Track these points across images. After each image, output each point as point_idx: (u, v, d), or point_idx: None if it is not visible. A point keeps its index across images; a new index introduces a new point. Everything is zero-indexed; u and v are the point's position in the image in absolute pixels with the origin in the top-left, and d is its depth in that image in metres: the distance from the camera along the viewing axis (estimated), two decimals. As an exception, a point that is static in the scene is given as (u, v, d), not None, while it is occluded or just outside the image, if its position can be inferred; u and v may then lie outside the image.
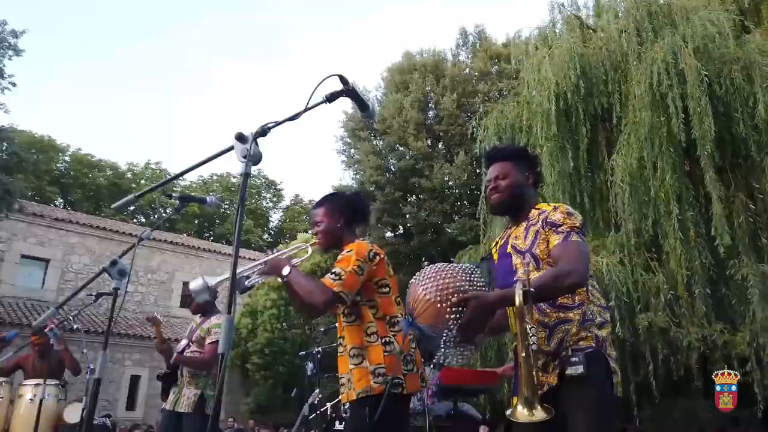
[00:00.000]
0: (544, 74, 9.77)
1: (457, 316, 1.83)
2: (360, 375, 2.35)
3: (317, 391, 4.92)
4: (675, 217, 7.42)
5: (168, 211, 29.67)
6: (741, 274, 6.78)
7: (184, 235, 24.38)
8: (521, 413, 1.75)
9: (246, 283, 2.47)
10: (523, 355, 1.77)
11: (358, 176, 16.96)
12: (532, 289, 1.82)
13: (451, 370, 3.89)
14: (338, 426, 6.22)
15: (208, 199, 2.32)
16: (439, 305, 1.84)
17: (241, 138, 1.51)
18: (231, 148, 1.54)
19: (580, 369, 1.88)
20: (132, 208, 28.41)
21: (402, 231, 16.33)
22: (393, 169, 16.38)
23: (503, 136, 10.82)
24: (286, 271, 2.35)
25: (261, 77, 58.47)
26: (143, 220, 29.49)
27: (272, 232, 36.04)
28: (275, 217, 37.56)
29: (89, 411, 2.00)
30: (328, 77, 1.50)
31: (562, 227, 2.02)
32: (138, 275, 18.57)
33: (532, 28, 11.46)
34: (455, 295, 1.87)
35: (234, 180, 32.98)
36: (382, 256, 2.51)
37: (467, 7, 50.88)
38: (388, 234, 17.43)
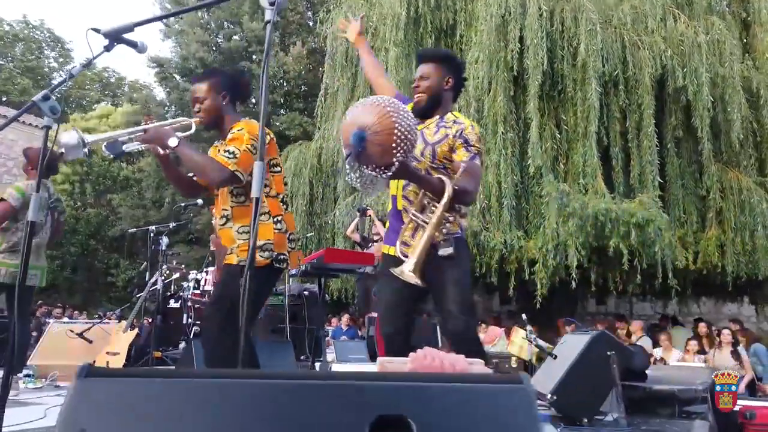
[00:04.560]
0: (399, -22, 9.78)
1: (393, 161, 2.01)
2: (247, 247, 2.40)
3: (165, 267, 4.75)
4: (500, 136, 8.32)
5: None
6: (543, 192, 7.96)
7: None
8: (410, 274, 2.10)
9: (123, 147, 2.36)
10: (428, 233, 2.15)
11: (180, 50, 15.44)
12: (455, 188, 2.19)
13: (336, 250, 4.09)
14: (173, 304, 6.12)
15: (139, 43, 2.05)
16: (394, 144, 1.97)
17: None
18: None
19: (450, 250, 2.26)
20: None
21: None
22: (221, 47, 15.24)
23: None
24: (173, 142, 2.30)
25: None
26: None
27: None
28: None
29: (24, 258, 1.74)
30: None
31: (472, 147, 2.32)
32: None
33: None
34: (407, 144, 2.02)
35: (7, 28, 27.65)
36: (272, 136, 2.53)
37: None
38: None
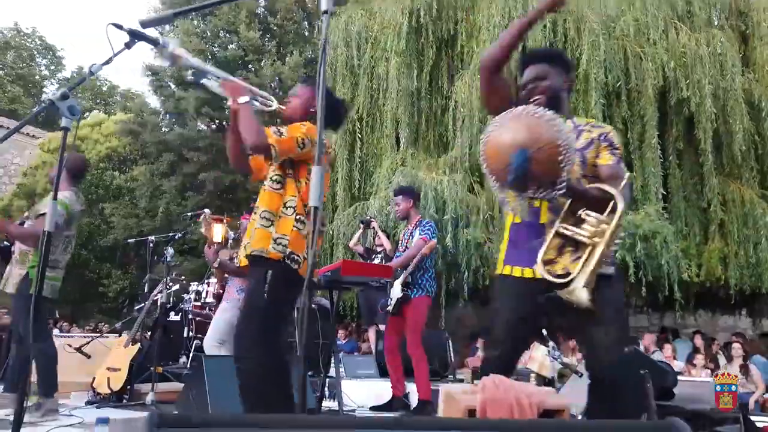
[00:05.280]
0: (400, -13, 9.74)
1: (560, 180, 1.85)
2: (261, 236, 2.40)
3: (168, 278, 4.59)
4: (502, 147, 8.24)
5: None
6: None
7: None
8: (582, 293, 1.89)
9: (203, 80, 2.43)
10: (601, 248, 1.93)
11: (176, 57, 15.30)
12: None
13: (352, 262, 3.96)
14: (172, 316, 5.95)
15: (161, 41, 1.94)
16: (560, 158, 1.79)
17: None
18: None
19: (611, 269, 2.07)
20: None
21: (224, 125, 15.37)
22: (218, 57, 15.10)
23: (349, 42, 10.67)
24: (243, 99, 2.36)
25: None
26: None
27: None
28: (51, 89, 32.47)
29: (41, 269, 1.61)
30: None
31: (617, 151, 2.17)
32: None
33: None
34: (571, 154, 1.86)
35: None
36: (329, 151, 2.58)
37: None
38: (202, 126, 16.30)
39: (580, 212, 2.02)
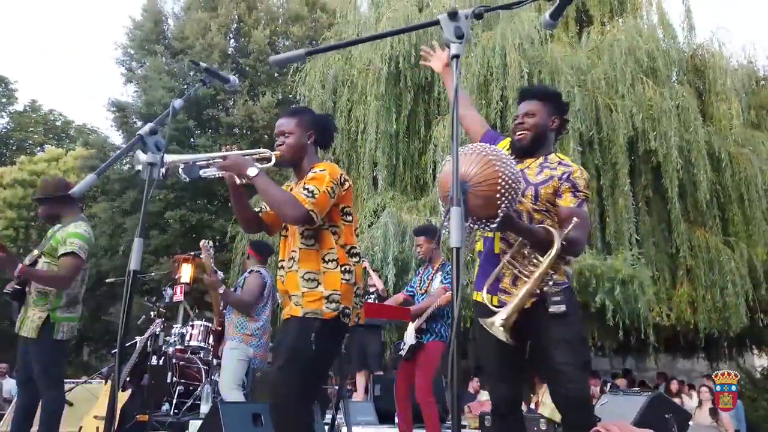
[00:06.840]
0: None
1: (497, 213, 1.89)
2: (313, 298, 2.26)
3: (159, 321, 4.39)
4: (482, 191, 8.39)
5: None
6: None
7: None
8: (498, 329, 1.98)
9: (200, 173, 2.24)
10: (528, 288, 2.03)
11: (144, 95, 15.09)
12: (563, 243, 2.04)
13: (372, 304, 3.88)
14: (154, 361, 5.67)
15: (231, 79, 1.92)
16: (498, 195, 1.86)
17: (453, 16, 1.31)
18: (436, 22, 1.34)
19: (563, 308, 2.07)
20: None
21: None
22: (188, 95, 14.95)
23: (326, 84, 10.81)
24: (252, 172, 2.18)
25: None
26: None
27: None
28: (2, 122, 31.31)
29: (126, 305, 1.52)
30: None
31: (580, 193, 2.18)
32: None
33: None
34: (512, 194, 1.91)
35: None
36: (350, 182, 2.43)
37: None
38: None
39: (526, 250, 2.12)
